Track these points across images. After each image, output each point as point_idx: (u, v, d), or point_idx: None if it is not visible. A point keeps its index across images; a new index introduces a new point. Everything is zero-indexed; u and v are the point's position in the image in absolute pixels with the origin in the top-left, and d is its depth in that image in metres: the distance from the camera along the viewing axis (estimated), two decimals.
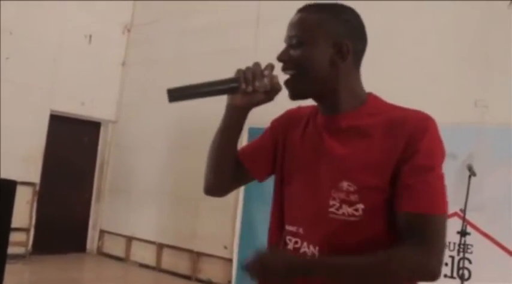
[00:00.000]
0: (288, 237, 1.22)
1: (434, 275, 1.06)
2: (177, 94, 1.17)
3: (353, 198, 1.12)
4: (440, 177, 1.12)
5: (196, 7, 6.23)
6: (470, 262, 3.63)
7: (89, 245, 6.86)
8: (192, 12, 6.27)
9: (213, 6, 6.02)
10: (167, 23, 6.56)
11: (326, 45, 1.16)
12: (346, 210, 1.12)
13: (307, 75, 1.16)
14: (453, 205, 3.64)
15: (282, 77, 1.19)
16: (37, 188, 6.09)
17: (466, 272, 3.63)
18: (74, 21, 6.40)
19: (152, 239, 6.17)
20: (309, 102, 1.25)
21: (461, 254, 3.60)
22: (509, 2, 3.81)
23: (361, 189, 1.11)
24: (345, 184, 1.13)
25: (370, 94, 1.22)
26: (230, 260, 5.25)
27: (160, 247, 6.09)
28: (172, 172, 6.12)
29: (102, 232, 6.82)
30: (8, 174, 4.56)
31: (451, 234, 3.61)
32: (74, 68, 6.40)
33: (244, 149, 1.34)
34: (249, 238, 5.03)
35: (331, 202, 1.14)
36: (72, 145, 6.78)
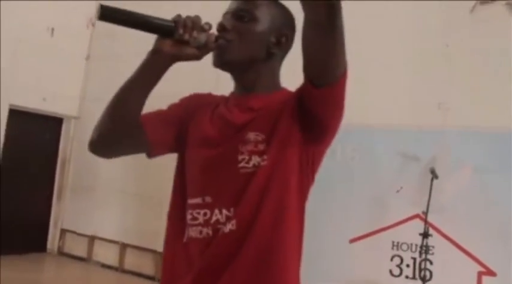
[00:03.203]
0: (195, 211, 1.18)
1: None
2: (109, 14, 1.07)
3: (261, 147, 1.13)
4: None
5: (163, 1, 6.12)
6: (431, 263, 3.68)
7: (49, 245, 6.66)
8: (159, 6, 6.14)
9: (181, 1, 5.92)
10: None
11: (269, 31, 1.20)
12: (256, 160, 1.13)
13: (244, 47, 1.18)
14: (415, 207, 3.74)
15: None
16: None
17: (427, 274, 3.67)
18: (35, 13, 6.19)
19: (115, 238, 6.03)
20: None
21: (423, 256, 3.64)
22: (471, 6, 3.87)
23: (268, 137, 1.13)
24: (251, 135, 1.15)
25: (284, 88, 1.27)
26: None
27: (124, 247, 5.97)
28: (136, 170, 6.01)
29: (64, 231, 6.63)
30: None
31: (414, 236, 3.66)
32: (35, 62, 6.18)
33: (148, 114, 1.25)
34: None
35: (240, 157, 1.14)
36: (33, 141, 6.57)
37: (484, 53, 3.82)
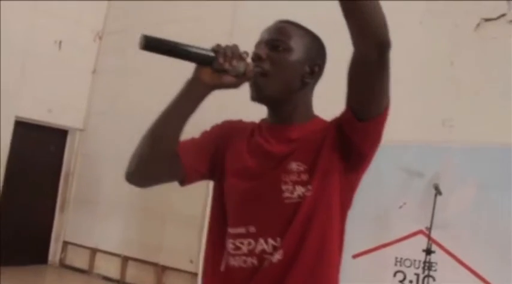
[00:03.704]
0: (238, 240, 1.18)
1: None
2: (152, 44, 1.08)
3: (304, 177, 1.15)
4: None
5: (170, 17, 6.19)
6: (434, 279, 3.65)
7: (51, 257, 6.64)
8: (166, 22, 6.21)
9: (187, 17, 6.00)
10: (140, 32, 6.44)
11: (304, 61, 1.22)
12: (300, 190, 1.15)
13: (280, 79, 1.19)
14: (418, 223, 3.72)
15: None
16: None
17: None
18: (44, 27, 6.27)
19: (117, 251, 6.01)
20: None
21: (426, 272, 3.62)
22: (475, 25, 3.91)
23: (310, 167, 1.15)
24: (294, 165, 1.16)
25: (317, 116, 1.29)
26: (196, 275, 5.16)
27: (125, 259, 5.94)
28: None
29: (66, 244, 6.62)
30: None
31: (417, 252, 3.64)
32: (42, 74, 6.24)
33: (182, 142, 1.24)
34: None
35: (284, 187, 1.15)
36: (38, 153, 6.60)
37: (488, 70, 3.84)
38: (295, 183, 1.15)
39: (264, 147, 1.23)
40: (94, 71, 6.94)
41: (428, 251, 3.45)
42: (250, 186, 1.21)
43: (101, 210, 6.32)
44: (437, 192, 3.47)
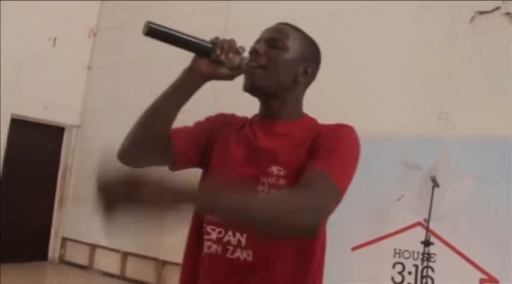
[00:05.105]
0: (210, 227, 1.23)
1: (308, 222, 1.05)
2: (154, 31, 1.13)
3: (282, 182, 1.18)
4: (346, 158, 1.18)
5: (164, 13, 6.16)
6: (433, 270, 3.70)
7: (50, 254, 6.67)
8: (160, 17, 6.16)
9: (181, 12, 5.98)
10: (134, 27, 6.45)
11: (298, 61, 1.28)
12: None
13: (274, 74, 1.25)
14: (417, 215, 3.75)
15: None
16: None
17: (429, 281, 3.69)
18: (37, 23, 6.24)
19: (116, 247, 6.04)
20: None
21: (425, 263, 3.66)
22: (470, 19, 3.93)
23: (290, 174, 1.18)
24: (275, 169, 1.20)
25: (306, 114, 1.34)
26: None
27: (125, 255, 5.97)
28: None
29: (65, 240, 6.64)
30: None
31: (416, 244, 3.68)
32: (37, 71, 6.23)
33: (175, 129, 1.29)
34: None
35: (260, 187, 1.18)
36: (34, 150, 6.59)
37: (483, 63, 3.87)
38: (271, 186, 1.18)
39: (249, 138, 1.28)
40: (89, 67, 6.92)
41: (426, 243, 3.48)
42: (230, 177, 1.25)
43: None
44: (435, 184, 3.50)
